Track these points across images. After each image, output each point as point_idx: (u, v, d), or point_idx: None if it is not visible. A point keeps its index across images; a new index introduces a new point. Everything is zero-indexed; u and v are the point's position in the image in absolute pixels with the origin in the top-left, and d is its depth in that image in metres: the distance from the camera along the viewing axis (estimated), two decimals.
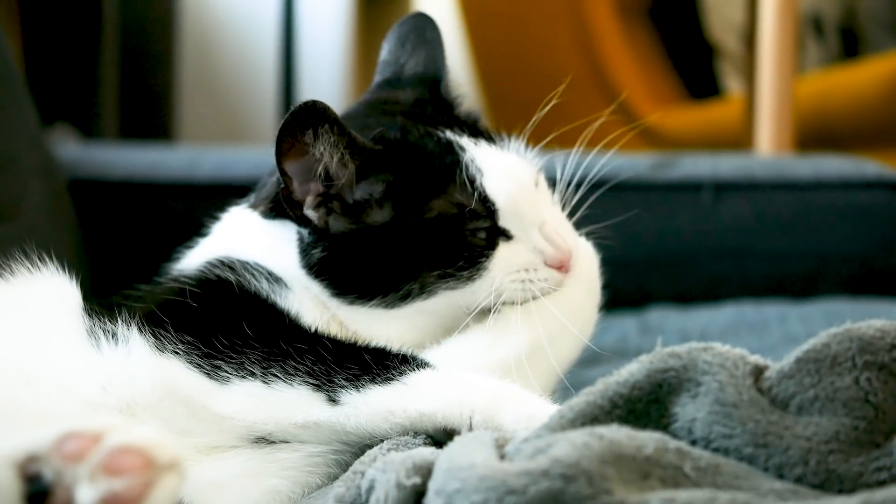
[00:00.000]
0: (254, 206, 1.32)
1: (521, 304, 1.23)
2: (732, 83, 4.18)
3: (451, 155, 1.24)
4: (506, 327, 1.22)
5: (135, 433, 0.81)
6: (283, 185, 1.22)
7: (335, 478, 1.10)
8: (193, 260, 1.30)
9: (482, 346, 1.21)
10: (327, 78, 3.76)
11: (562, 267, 1.25)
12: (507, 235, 1.24)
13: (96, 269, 2.08)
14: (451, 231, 1.22)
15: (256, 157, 2.34)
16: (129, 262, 2.13)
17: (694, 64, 4.26)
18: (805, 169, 2.38)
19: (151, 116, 3.56)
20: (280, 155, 1.19)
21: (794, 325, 1.99)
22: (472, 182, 1.23)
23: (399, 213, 1.22)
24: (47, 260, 1.23)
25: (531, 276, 1.23)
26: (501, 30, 4.15)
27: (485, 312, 1.23)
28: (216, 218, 1.38)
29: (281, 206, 1.25)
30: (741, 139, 3.14)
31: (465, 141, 1.26)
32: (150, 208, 2.24)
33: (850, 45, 4.31)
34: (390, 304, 1.22)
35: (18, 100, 1.96)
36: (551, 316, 1.22)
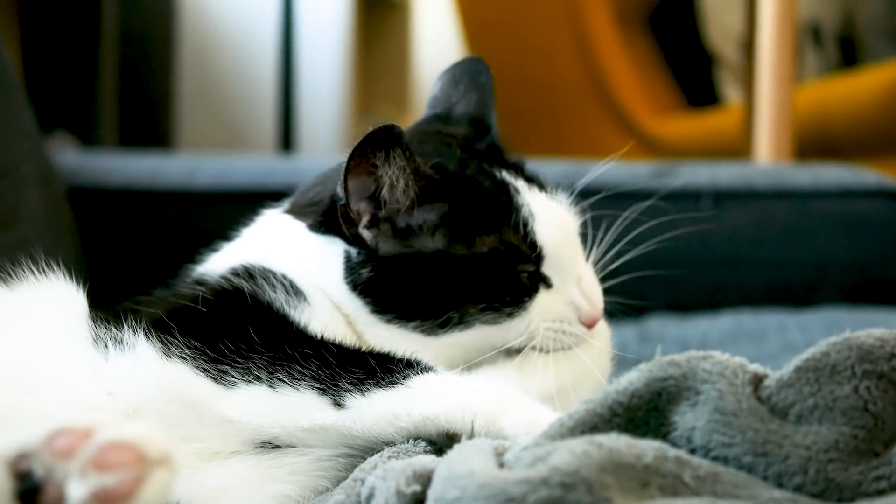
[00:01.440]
0: (294, 214, 1.32)
1: (549, 351, 1.26)
2: (731, 92, 4.18)
3: (507, 195, 1.27)
4: (535, 368, 1.24)
5: (125, 429, 0.82)
6: (343, 202, 1.22)
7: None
8: (218, 263, 1.31)
9: (511, 382, 1.21)
10: (326, 86, 3.77)
11: (591, 325, 1.28)
12: (547, 283, 1.27)
13: (95, 276, 2.08)
14: (500, 268, 1.24)
15: (255, 165, 2.34)
16: (128, 269, 2.13)
17: (693, 72, 4.26)
18: (804, 178, 2.38)
19: (150, 124, 3.56)
20: (348, 172, 1.20)
21: (793, 334, 1.99)
22: (525, 225, 1.25)
23: (451, 243, 1.23)
24: (53, 267, 1.23)
25: (564, 327, 1.26)
26: (500, 37, 4.15)
27: (509, 352, 1.26)
28: (247, 221, 1.38)
29: (332, 222, 1.26)
30: (740, 148, 3.14)
31: (520, 184, 1.29)
32: (148, 216, 2.24)
33: (849, 53, 4.32)
34: (428, 331, 1.23)
35: (17, 107, 1.96)
36: (578, 362, 1.25)
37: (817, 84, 4.00)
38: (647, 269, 2.19)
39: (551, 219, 1.28)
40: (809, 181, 2.36)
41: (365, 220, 1.23)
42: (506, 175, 1.29)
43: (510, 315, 1.24)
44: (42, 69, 3.05)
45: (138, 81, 3.49)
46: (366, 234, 1.24)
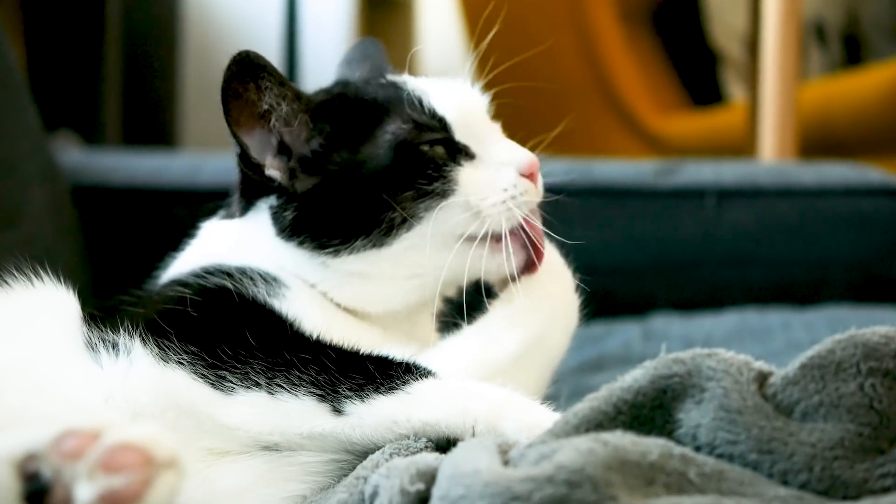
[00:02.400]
0: (227, 217, 1.32)
1: (509, 229, 1.22)
2: (735, 90, 4.18)
3: (393, 87, 1.27)
4: (498, 327, 1.22)
5: (133, 431, 0.81)
6: (239, 152, 1.23)
7: None
8: (176, 272, 1.29)
9: (477, 348, 1.21)
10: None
11: (532, 175, 1.24)
12: (468, 154, 1.24)
13: (99, 275, 2.08)
14: (409, 148, 1.22)
15: None
16: (131, 268, 2.13)
17: (697, 71, 4.26)
18: (808, 176, 2.38)
19: (154, 123, 3.57)
20: (229, 117, 1.20)
21: (797, 332, 1.99)
22: (420, 101, 1.24)
23: (354, 150, 1.22)
24: (46, 272, 1.22)
25: (512, 193, 1.22)
26: (504, 36, 4.14)
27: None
28: (190, 235, 1.37)
29: (248, 187, 1.26)
30: (744, 146, 3.14)
31: (405, 77, 1.29)
32: (152, 214, 2.24)
33: (853, 52, 4.31)
34: (377, 243, 1.21)
35: (21, 106, 1.96)
36: (538, 310, 1.23)
37: (821, 82, 3.99)
38: (652, 266, 2.19)
39: (445, 90, 1.27)
40: (814, 179, 2.36)
41: (270, 161, 1.23)
42: (390, 77, 1.30)
43: (443, 193, 1.21)
44: (46, 68, 3.05)
45: (142, 80, 3.50)
46: (273, 173, 1.23)
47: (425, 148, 1.22)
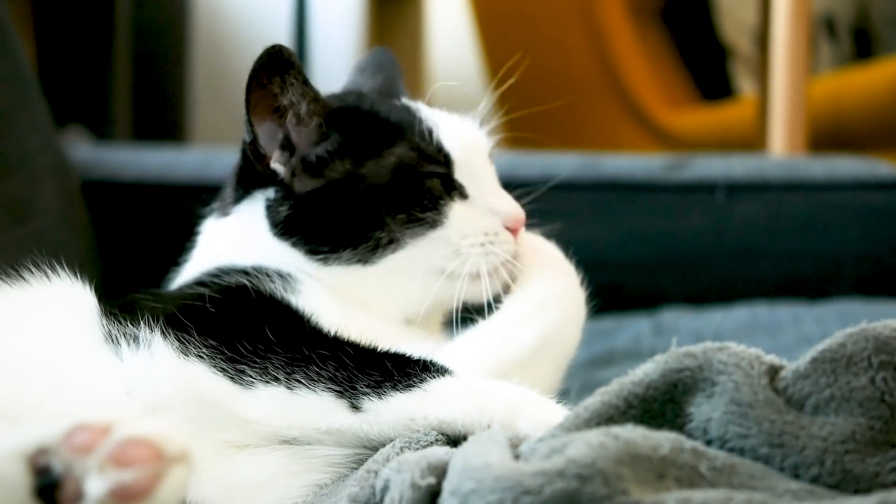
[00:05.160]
0: (220, 214, 1.35)
1: (486, 272, 1.26)
2: (745, 84, 4.17)
3: (408, 112, 1.31)
4: (513, 322, 1.23)
5: (144, 425, 0.82)
6: (250, 140, 1.26)
7: None
8: (189, 275, 1.31)
9: (493, 343, 1.22)
10: (339, 80, 3.77)
11: (516, 229, 1.28)
12: (462, 193, 1.28)
13: (110, 270, 2.09)
14: (410, 175, 1.26)
15: None
16: (142, 263, 2.13)
17: (707, 65, 4.25)
18: (818, 170, 2.37)
19: (164, 118, 3.57)
20: (248, 105, 1.23)
21: (808, 326, 1.99)
22: (430, 133, 1.28)
23: (359, 164, 1.26)
24: (61, 267, 1.22)
25: (492, 239, 1.27)
26: (513, 30, 4.14)
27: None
28: (192, 243, 1.38)
29: (247, 176, 1.29)
30: (754, 140, 3.13)
31: (419, 105, 1.33)
32: (162, 209, 2.24)
33: (863, 46, 4.30)
34: (362, 259, 1.25)
35: (32, 101, 1.96)
36: (551, 304, 1.25)
37: (831, 76, 3.98)
38: (662, 261, 2.19)
39: (456, 128, 1.31)
40: (824, 173, 2.36)
41: (277, 154, 1.26)
42: (406, 100, 1.33)
43: (432, 223, 1.25)
44: (56, 63, 3.06)
45: (152, 75, 3.50)
46: (279, 167, 1.27)
47: (423, 177, 1.26)
